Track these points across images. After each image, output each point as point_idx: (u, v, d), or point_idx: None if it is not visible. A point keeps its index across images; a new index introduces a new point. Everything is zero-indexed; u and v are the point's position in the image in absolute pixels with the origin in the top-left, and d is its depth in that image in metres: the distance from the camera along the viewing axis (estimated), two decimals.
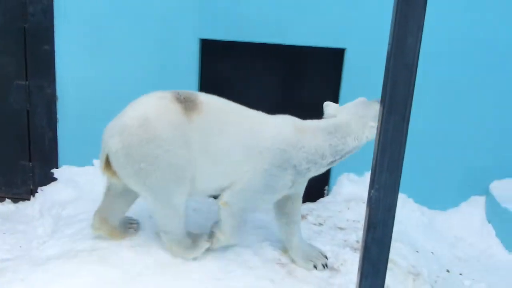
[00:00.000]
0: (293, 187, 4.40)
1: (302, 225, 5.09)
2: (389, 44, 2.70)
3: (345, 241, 4.93)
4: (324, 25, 5.26)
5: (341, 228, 5.13)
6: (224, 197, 4.31)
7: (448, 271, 4.99)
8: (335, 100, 5.36)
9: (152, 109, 4.16)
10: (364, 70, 5.25)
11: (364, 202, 4.84)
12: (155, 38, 5.31)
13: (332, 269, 4.65)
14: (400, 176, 3.17)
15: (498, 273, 4.95)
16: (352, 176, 5.58)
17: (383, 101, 2.87)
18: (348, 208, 5.35)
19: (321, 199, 5.56)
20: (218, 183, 4.34)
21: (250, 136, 4.26)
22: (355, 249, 4.78)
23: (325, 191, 5.68)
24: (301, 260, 4.61)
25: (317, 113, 5.40)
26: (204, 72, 5.40)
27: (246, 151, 4.24)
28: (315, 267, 4.60)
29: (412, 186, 4.95)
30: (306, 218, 5.24)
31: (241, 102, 4.36)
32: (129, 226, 4.76)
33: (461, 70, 5.33)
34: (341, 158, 4.41)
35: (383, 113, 2.82)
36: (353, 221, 5.21)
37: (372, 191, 3.22)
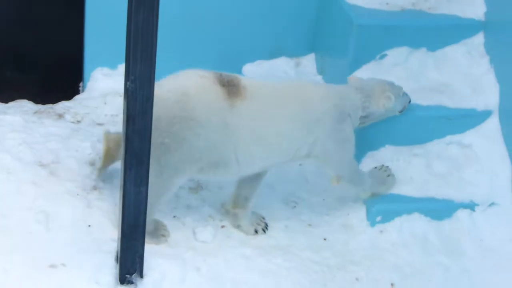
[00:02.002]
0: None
1: (59, 123, 5.01)
2: None
3: None
4: None
5: (100, 124, 5.09)
6: (333, 174, 4.48)
7: None
8: (81, 12, 5.17)
9: (193, 87, 3.98)
10: None
11: (120, 96, 4.81)
12: None
13: (95, 165, 4.64)
14: (155, 66, 3.18)
15: None
16: (106, 70, 5.47)
17: None
18: (105, 103, 5.28)
19: (77, 96, 5.44)
20: (269, 163, 4.32)
21: (303, 111, 4.27)
22: None
23: (80, 88, 5.56)
24: (247, 223, 4.51)
25: (60, 16, 5.21)
26: None
27: (305, 126, 4.26)
28: (256, 231, 4.51)
29: (166, 75, 4.96)
30: (63, 116, 5.13)
31: None
32: None
33: None
34: (366, 119, 4.60)
35: (131, 4, 2.79)
36: (112, 115, 5.17)
37: (128, 83, 3.22)
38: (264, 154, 4.23)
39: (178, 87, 4.02)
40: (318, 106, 4.33)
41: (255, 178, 4.48)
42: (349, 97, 4.49)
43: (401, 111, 4.73)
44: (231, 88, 4.06)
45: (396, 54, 5.18)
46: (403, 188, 4.77)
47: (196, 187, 4.74)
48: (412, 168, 4.86)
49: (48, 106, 5.24)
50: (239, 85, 4.10)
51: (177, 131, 3.96)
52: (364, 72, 5.08)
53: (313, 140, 4.31)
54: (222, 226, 4.50)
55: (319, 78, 5.53)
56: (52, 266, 3.86)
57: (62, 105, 5.29)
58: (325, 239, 4.56)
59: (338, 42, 5.29)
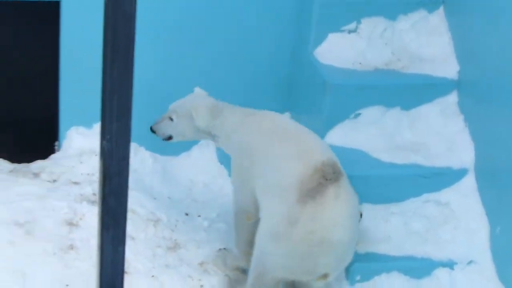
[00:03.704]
0: None
1: (35, 182, 4.97)
2: None
3: (82, 195, 4.87)
4: None
5: (76, 183, 5.06)
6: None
7: (186, 214, 5.11)
8: (55, 56, 5.16)
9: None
10: (83, 21, 5.09)
11: (96, 155, 4.81)
12: None
13: (72, 224, 4.61)
14: (131, 124, 3.17)
15: None
16: (82, 129, 5.46)
17: (105, 51, 2.84)
18: (81, 162, 5.26)
19: (53, 156, 5.43)
20: None
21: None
22: (92, 202, 4.76)
23: (56, 147, 5.55)
24: None
25: (35, 76, 5.21)
26: None
27: None
28: None
29: (141, 134, 4.95)
30: (39, 175, 5.10)
31: None
32: None
33: None
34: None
35: (106, 62, 2.79)
36: (88, 174, 5.15)
37: (104, 142, 3.20)
38: None
39: (277, 218, 4.08)
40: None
41: None
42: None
43: None
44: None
45: (370, 113, 5.20)
46: (381, 247, 4.75)
47: (174, 246, 4.70)
48: (390, 227, 4.85)
49: (23, 165, 5.22)
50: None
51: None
52: (338, 131, 5.11)
53: None
54: (201, 286, 4.46)
55: None
56: None
57: (38, 164, 5.26)
58: None
59: (312, 101, 5.32)
